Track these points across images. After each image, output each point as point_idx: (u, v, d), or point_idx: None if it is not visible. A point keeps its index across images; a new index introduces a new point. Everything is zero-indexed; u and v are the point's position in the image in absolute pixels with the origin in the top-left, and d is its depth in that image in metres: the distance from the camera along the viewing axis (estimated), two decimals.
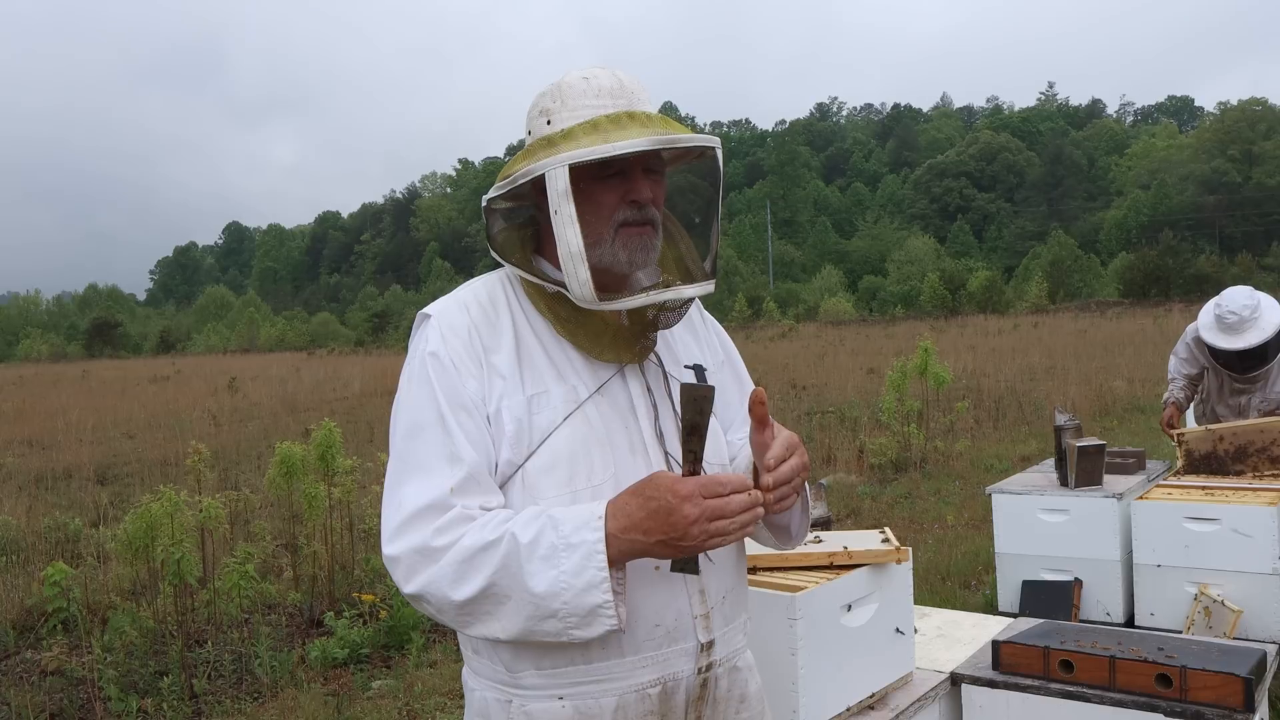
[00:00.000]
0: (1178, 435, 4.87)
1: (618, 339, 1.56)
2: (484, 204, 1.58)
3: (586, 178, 1.49)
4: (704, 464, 1.58)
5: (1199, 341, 5.03)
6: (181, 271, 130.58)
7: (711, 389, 1.41)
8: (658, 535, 1.35)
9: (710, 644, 1.55)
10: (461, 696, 4.74)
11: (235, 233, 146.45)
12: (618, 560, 1.39)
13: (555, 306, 1.55)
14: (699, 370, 1.65)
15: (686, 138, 1.48)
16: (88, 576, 6.16)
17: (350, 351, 46.31)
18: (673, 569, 1.44)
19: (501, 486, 1.51)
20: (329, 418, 6.82)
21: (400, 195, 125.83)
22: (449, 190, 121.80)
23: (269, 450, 8.57)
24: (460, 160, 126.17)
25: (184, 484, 6.32)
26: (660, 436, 1.56)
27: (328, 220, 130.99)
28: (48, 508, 9.29)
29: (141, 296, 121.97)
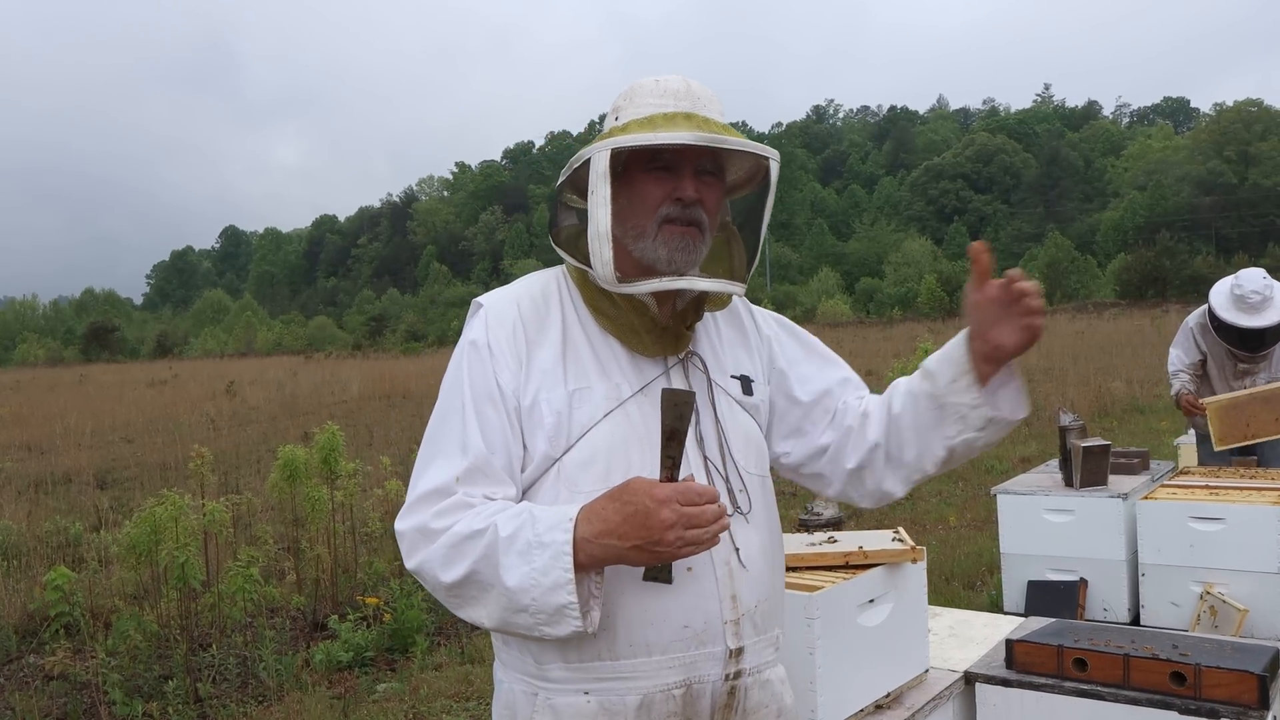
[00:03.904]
0: (1205, 405, 5.03)
1: (664, 337, 1.57)
2: (554, 197, 1.61)
3: (635, 169, 1.51)
4: (742, 472, 1.58)
5: (1203, 328, 5.17)
6: (178, 275, 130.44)
7: (692, 394, 1.41)
8: (633, 540, 1.35)
9: (739, 651, 1.53)
10: (467, 699, 4.75)
11: (232, 236, 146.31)
12: (591, 565, 1.39)
13: (601, 302, 1.57)
14: (745, 382, 1.65)
15: (734, 141, 1.48)
16: (90, 581, 6.14)
17: (348, 355, 46.26)
18: (645, 578, 1.42)
19: (538, 479, 1.52)
20: (329, 421, 6.81)
21: (397, 199, 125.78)
22: (446, 194, 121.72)
23: (268, 454, 8.56)
24: (457, 164, 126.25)
25: (184, 488, 6.31)
26: (700, 440, 1.56)
27: (325, 224, 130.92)
28: (48, 512, 9.25)
29: (138, 301, 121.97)
